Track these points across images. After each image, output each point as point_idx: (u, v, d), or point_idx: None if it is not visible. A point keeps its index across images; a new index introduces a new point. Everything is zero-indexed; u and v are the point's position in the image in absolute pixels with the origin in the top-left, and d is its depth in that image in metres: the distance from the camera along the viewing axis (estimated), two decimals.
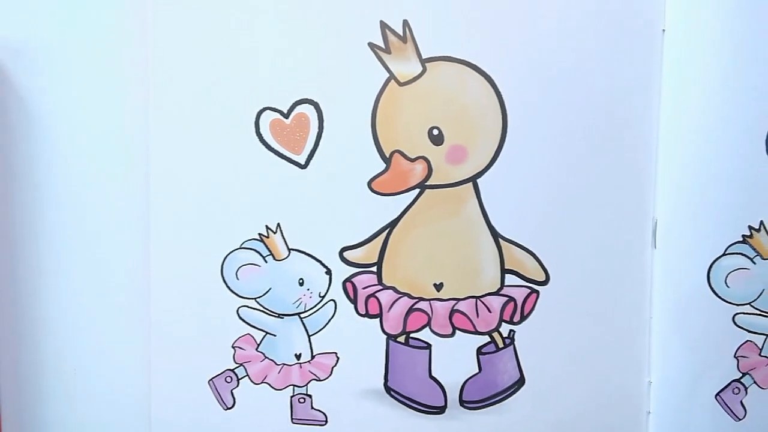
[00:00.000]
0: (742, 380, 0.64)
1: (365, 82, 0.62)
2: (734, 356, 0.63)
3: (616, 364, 0.64)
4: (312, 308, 0.65)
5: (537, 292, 0.64)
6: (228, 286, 0.65)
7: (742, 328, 0.63)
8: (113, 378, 0.66)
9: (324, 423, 0.66)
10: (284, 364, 0.66)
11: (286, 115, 0.63)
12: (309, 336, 0.65)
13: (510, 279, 0.64)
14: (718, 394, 0.64)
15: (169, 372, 0.65)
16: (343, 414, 0.66)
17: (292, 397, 0.66)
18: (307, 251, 0.64)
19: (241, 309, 0.65)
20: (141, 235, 0.65)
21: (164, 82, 0.63)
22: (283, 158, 0.63)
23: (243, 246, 0.64)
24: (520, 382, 0.65)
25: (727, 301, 0.63)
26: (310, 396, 0.66)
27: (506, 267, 0.64)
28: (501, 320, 0.65)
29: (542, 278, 0.64)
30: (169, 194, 0.64)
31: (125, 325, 0.66)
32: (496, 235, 0.64)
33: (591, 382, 0.64)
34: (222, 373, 0.66)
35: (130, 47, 0.63)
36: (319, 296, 0.64)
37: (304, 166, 0.63)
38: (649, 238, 0.63)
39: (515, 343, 0.65)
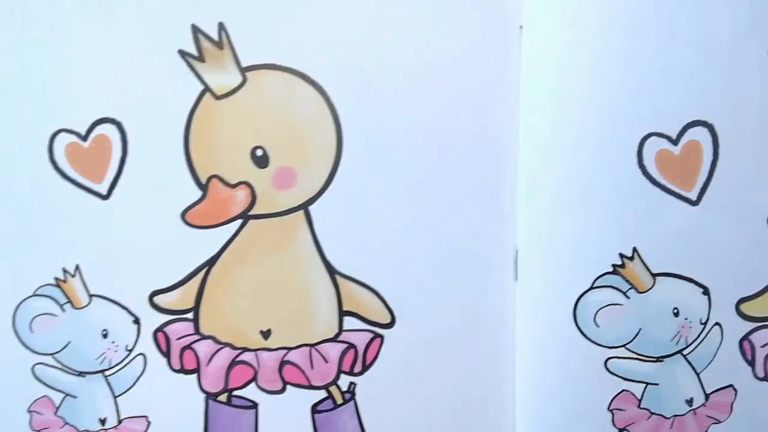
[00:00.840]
0: None
1: (176, 97, 0.55)
2: (608, 409, 0.56)
3: (476, 420, 0.56)
4: (118, 364, 0.57)
5: (381, 336, 0.57)
6: (21, 341, 0.57)
7: (615, 375, 0.55)
8: None
9: None
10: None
11: (84, 138, 0.55)
12: (115, 397, 0.58)
13: (349, 322, 0.57)
14: None
15: None
16: None
17: None
18: (110, 297, 0.57)
19: (36, 367, 0.57)
20: None
21: None
22: (81, 188, 0.56)
23: (37, 293, 0.56)
24: None
25: (597, 344, 0.55)
26: None
27: (345, 308, 0.57)
28: (340, 371, 0.57)
29: (387, 320, 0.57)
30: None
31: None
32: (332, 270, 0.57)
33: None
34: None
35: None
36: (126, 350, 0.57)
37: (106, 197, 0.56)
38: (510, 269, 0.54)
39: (356, 397, 0.58)
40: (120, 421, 0.58)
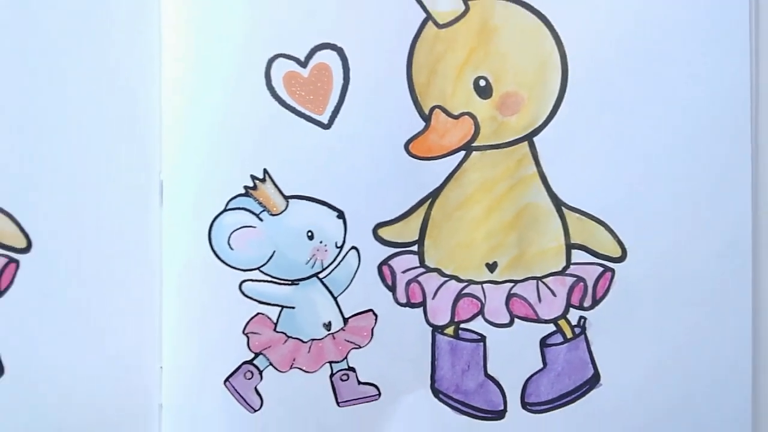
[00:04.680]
0: (255, 362, 0.55)
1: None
2: (243, 333, 0.55)
3: (123, 347, 0.55)
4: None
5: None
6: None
7: (250, 298, 0.55)
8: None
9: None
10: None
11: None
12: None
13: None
14: (227, 379, 0.55)
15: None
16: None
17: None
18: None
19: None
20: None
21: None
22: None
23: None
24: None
25: (232, 266, 0.54)
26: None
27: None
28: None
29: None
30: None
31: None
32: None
33: (91, 371, 0.54)
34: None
35: None
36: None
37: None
38: (156, 195, 0.54)
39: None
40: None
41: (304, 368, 0.56)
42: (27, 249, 0.54)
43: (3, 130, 0.53)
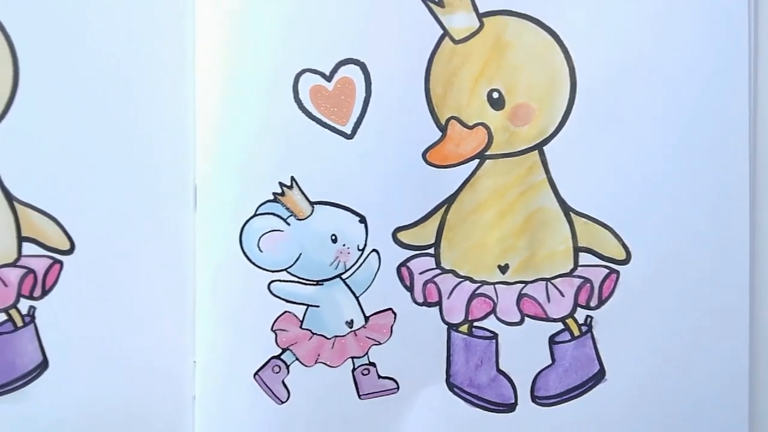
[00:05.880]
0: (282, 357, 0.58)
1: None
2: (272, 329, 0.58)
3: (159, 343, 0.57)
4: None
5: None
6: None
7: (278, 297, 0.57)
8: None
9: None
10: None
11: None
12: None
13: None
14: (257, 373, 0.58)
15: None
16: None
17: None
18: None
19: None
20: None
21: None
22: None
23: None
24: None
25: (261, 268, 0.57)
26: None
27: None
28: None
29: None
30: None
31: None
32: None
33: (129, 365, 0.57)
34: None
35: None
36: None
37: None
38: (190, 200, 0.57)
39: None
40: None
41: (328, 363, 0.59)
42: (70, 251, 0.57)
43: (48, 139, 0.56)
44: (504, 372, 0.60)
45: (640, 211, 0.58)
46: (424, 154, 0.57)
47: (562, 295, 0.59)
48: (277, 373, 0.58)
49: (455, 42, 0.57)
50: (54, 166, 0.56)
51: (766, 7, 0.58)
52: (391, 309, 0.59)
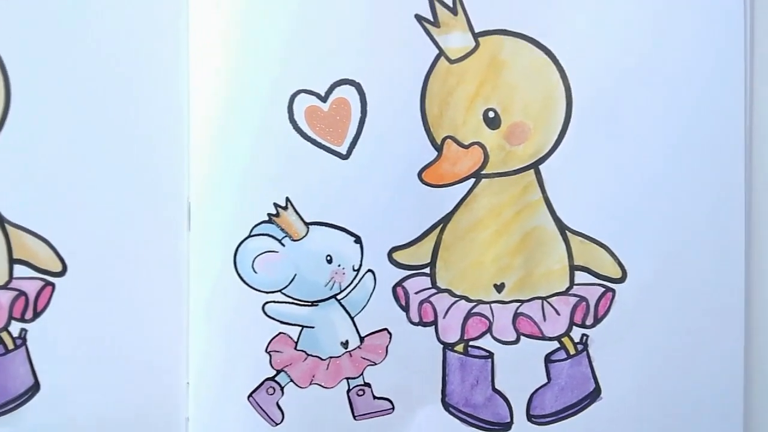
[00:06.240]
0: (276, 378, 0.58)
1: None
2: (266, 351, 0.58)
3: (152, 364, 0.57)
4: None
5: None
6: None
7: (273, 318, 0.57)
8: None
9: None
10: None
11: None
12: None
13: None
14: (251, 395, 0.58)
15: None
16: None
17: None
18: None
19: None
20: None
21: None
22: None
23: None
24: None
25: (255, 289, 0.57)
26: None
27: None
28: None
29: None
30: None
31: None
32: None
33: (122, 386, 0.57)
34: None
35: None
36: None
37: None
38: (184, 220, 0.57)
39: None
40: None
41: (322, 384, 0.59)
42: (62, 273, 0.57)
43: (40, 161, 0.56)
44: (500, 391, 0.59)
45: (636, 231, 0.58)
46: (419, 174, 0.58)
47: (558, 314, 0.59)
48: (271, 394, 0.58)
49: (451, 62, 0.57)
50: (46, 188, 0.56)
51: (761, 13, 0.58)
52: (386, 329, 0.59)
